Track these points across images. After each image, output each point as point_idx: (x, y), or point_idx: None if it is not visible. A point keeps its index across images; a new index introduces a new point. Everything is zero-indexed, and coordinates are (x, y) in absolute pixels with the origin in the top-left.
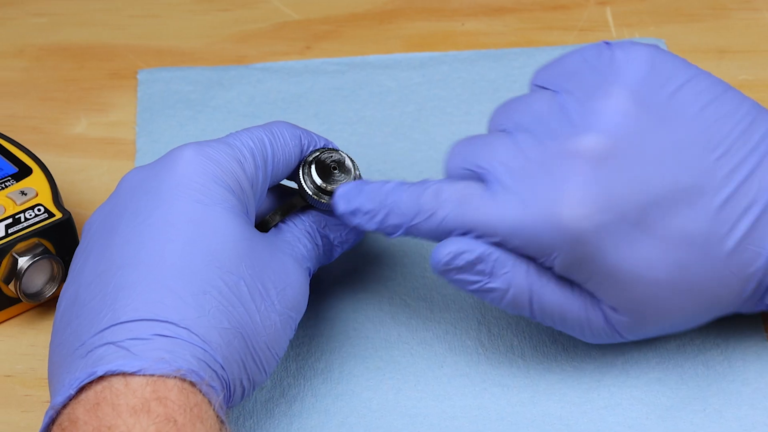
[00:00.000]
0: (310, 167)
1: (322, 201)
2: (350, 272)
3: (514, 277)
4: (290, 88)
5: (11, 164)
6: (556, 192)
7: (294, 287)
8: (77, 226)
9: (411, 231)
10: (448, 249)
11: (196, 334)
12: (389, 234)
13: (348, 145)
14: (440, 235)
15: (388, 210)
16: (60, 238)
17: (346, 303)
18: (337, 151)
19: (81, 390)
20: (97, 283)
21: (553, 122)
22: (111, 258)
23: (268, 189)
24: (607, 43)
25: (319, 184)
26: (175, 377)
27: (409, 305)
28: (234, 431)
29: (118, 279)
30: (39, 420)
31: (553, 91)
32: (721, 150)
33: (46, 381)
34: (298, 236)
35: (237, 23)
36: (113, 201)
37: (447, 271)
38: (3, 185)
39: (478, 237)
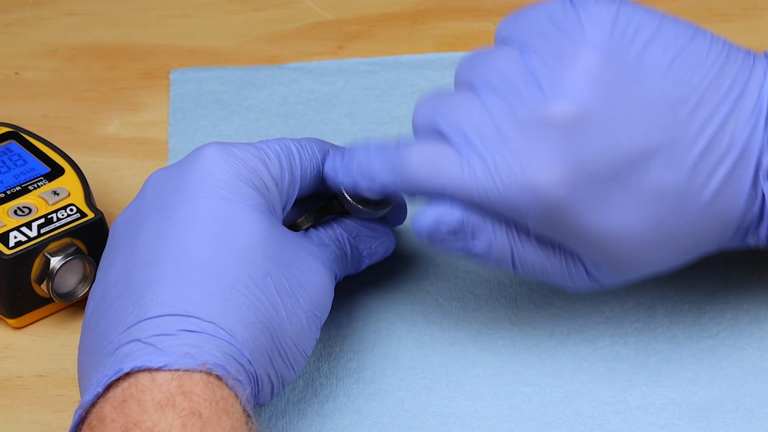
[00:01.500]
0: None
1: (361, 208)
2: (382, 272)
3: (495, 239)
4: (323, 88)
5: (44, 164)
6: (528, 159)
7: (319, 287)
8: (109, 226)
9: (385, 192)
10: (428, 219)
11: (222, 329)
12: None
13: None
14: (414, 194)
15: (363, 175)
16: (92, 238)
17: (378, 303)
18: None
19: (108, 388)
20: (124, 282)
21: (521, 86)
22: (137, 256)
23: (302, 199)
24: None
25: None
26: (201, 371)
27: (441, 305)
28: (266, 431)
29: (144, 276)
30: (71, 420)
31: (519, 49)
32: (692, 103)
33: (78, 381)
34: (326, 242)
35: (270, 23)
36: (139, 201)
37: (431, 239)
38: (35, 185)
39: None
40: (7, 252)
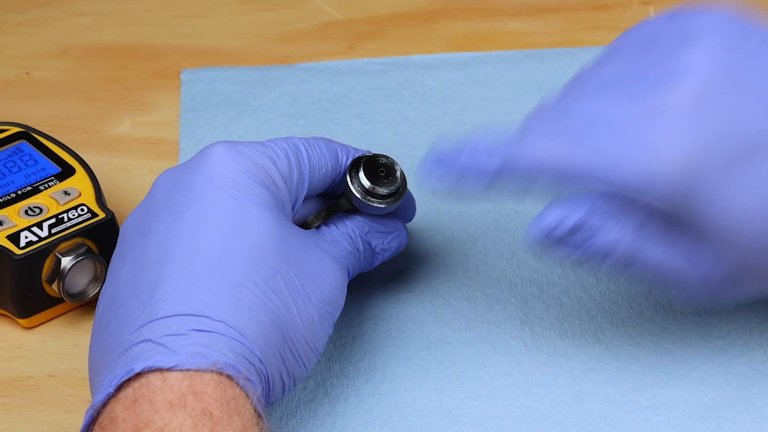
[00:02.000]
0: (358, 169)
1: (369, 203)
2: (393, 272)
3: (616, 236)
4: (333, 88)
5: (54, 164)
6: (654, 139)
7: (330, 283)
8: (120, 225)
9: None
10: (549, 216)
11: (233, 327)
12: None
13: (391, 145)
14: (531, 182)
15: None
16: (103, 238)
17: (389, 303)
18: (384, 156)
19: (120, 388)
20: (134, 282)
21: (637, 78)
22: (147, 256)
23: (312, 197)
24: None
25: (366, 187)
26: (212, 371)
27: (452, 305)
28: (277, 430)
29: (154, 275)
30: (82, 420)
31: (626, 56)
32: None
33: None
34: (338, 238)
35: (281, 23)
36: (148, 201)
37: (549, 238)
38: (46, 185)
39: (574, 193)
40: (18, 252)
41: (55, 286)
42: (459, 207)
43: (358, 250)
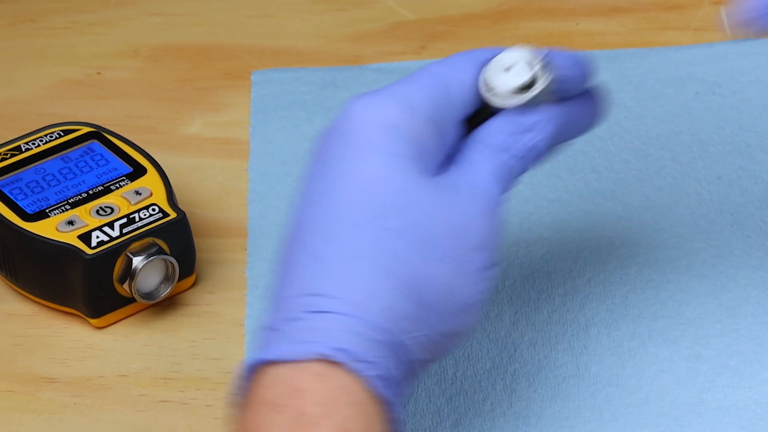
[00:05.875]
0: (488, 67)
1: (502, 98)
2: None
3: None
4: None
5: (126, 164)
6: None
7: (474, 226)
8: (191, 225)
9: None
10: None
11: (353, 303)
12: None
13: None
14: None
15: None
16: (174, 238)
17: None
18: (520, 48)
19: (256, 370)
20: (283, 251)
21: None
22: (291, 230)
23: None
24: None
25: (494, 83)
26: (317, 361)
27: (527, 305)
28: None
29: (287, 249)
30: (153, 420)
31: None
32: None
33: (161, 381)
34: (480, 164)
35: (352, 23)
36: (309, 164)
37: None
38: (117, 185)
39: None
40: (90, 252)
41: (126, 285)
42: (528, 207)
43: (504, 165)
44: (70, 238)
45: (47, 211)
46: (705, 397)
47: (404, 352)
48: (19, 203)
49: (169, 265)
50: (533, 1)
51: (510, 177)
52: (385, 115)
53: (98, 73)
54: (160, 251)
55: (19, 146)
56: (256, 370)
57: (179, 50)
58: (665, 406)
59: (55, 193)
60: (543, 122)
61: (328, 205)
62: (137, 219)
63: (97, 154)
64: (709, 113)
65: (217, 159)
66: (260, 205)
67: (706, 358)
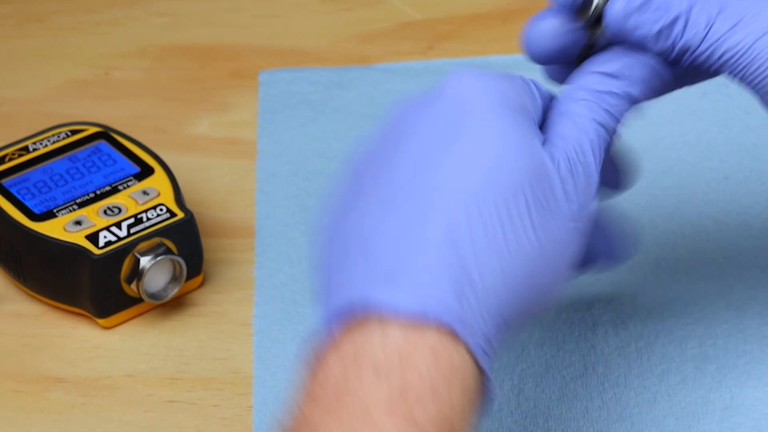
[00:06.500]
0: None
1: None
2: None
3: None
4: (411, 89)
5: (133, 164)
6: None
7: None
8: (199, 225)
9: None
10: None
11: (465, 273)
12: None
13: None
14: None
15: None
16: (182, 238)
17: None
18: None
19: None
20: (391, 210)
21: None
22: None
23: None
24: None
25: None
26: (433, 328)
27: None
28: None
29: (401, 217)
30: (161, 420)
31: None
32: None
33: (168, 381)
34: (582, 118)
35: (359, 23)
36: (384, 134)
37: (627, 17)
38: (125, 185)
39: None
40: (97, 252)
41: (134, 285)
42: None
43: (607, 114)
44: (78, 238)
45: (55, 211)
46: (712, 397)
47: (506, 325)
48: (27, 203)
49: (177, 265)
50: (541, 1)
51: (603, 139)
52: (495, 83)
53: (105, 73)
54: (168, 251)
55: (27, 146)
56: (357, 318)
57: (186, 50)
58: (672, 405)
59: (63, 193)
60: (629, 67)
61: (449, 171)
62: (145, 219)
63: (105, 154)
64: (716, 113)
65: (225, 159)
66: (268, 205)
67: (713, 358)
